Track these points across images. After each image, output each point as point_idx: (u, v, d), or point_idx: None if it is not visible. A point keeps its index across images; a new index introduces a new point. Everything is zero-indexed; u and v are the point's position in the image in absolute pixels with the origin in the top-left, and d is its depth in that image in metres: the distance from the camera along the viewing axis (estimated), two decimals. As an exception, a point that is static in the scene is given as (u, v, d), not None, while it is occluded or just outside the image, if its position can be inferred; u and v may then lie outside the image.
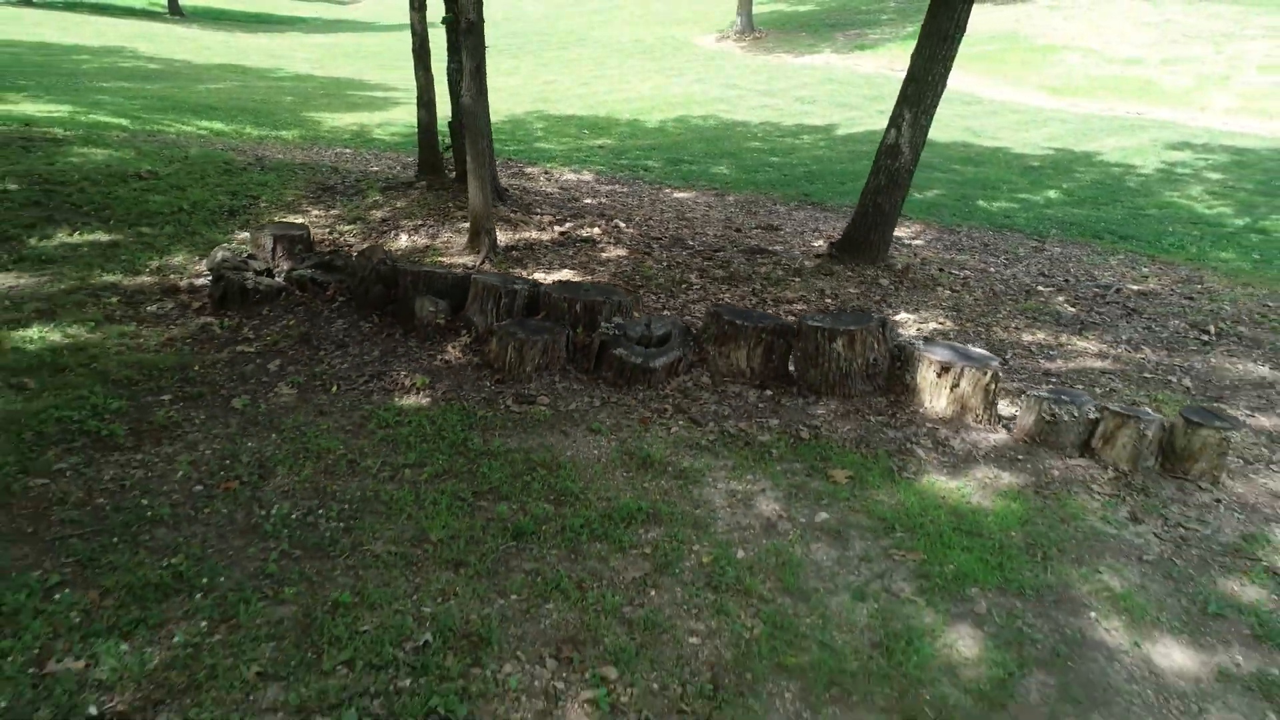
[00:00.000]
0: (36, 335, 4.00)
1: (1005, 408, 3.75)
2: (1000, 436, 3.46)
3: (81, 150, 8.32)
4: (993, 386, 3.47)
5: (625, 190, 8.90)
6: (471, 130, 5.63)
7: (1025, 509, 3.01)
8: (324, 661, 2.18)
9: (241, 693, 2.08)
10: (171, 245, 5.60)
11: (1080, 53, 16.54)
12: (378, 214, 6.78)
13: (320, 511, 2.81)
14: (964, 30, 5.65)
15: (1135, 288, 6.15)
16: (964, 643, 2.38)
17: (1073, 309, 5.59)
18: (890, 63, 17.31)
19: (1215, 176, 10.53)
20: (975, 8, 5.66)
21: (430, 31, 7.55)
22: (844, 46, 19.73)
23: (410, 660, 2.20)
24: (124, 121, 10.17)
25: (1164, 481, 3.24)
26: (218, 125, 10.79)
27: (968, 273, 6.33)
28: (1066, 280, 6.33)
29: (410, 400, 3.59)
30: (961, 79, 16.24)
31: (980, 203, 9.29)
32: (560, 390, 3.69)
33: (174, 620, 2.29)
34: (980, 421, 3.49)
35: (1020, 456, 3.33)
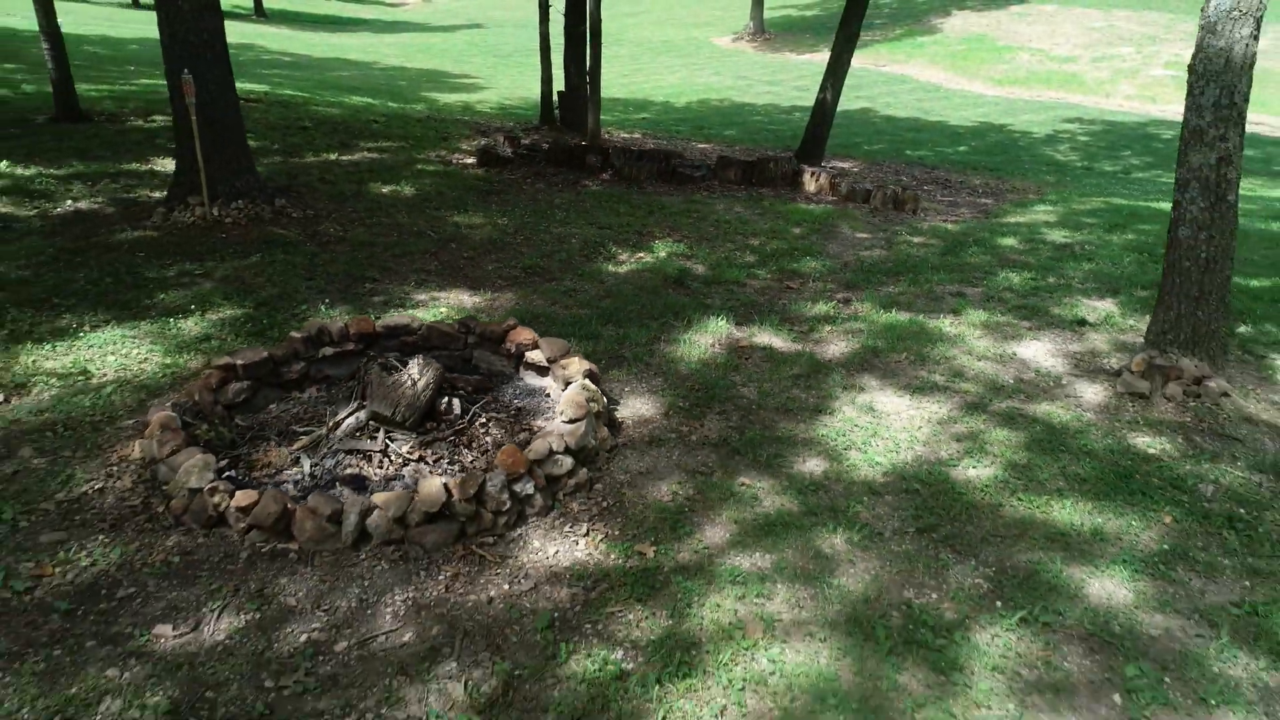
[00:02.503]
0: (425, 168, 10.37)
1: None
2: (834, 198, 9.78)
3: (319, 109, 14.75)
4: (834, 182, 9.77)
5: (665, 141, 15.30)
6: (593, 87, 12.05)
7: (832, 213, 9.35)
8: (600, 219, 8.48)
9: (590, 218, 8.38)
10: (432, 147, 11.99)
11: (1029, 52, 23.04)
12: (526, 141, 13.18)
13: (579, 209, 9.13)
14: (859, 34, 12.07)
15: (958, 180, 12.46)
16: (796, 230, 8.71)
17: (914, 184, 11.89)
18: (876, 61, 23.85)
19: (1084, 139, 16.90)
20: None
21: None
22: (841, 47, 26.26)
23: (616, 229, 8.49)
24: (306, 95, 16.60)
25: (893, 211, 9.52)
26: (367, 100, 17.21)
27: (870, 173, 12.66)
28: (924, 178, 12.64)
29: (592, 190, 9.91)
30: (929, 73, 22.83)
31: (908, 151, 15.65)
32: (657, 186, 10.07)
33: (553, 222, 8.59)
34: (825, 194, 9.80)
35: (838, 203, 9.65)
